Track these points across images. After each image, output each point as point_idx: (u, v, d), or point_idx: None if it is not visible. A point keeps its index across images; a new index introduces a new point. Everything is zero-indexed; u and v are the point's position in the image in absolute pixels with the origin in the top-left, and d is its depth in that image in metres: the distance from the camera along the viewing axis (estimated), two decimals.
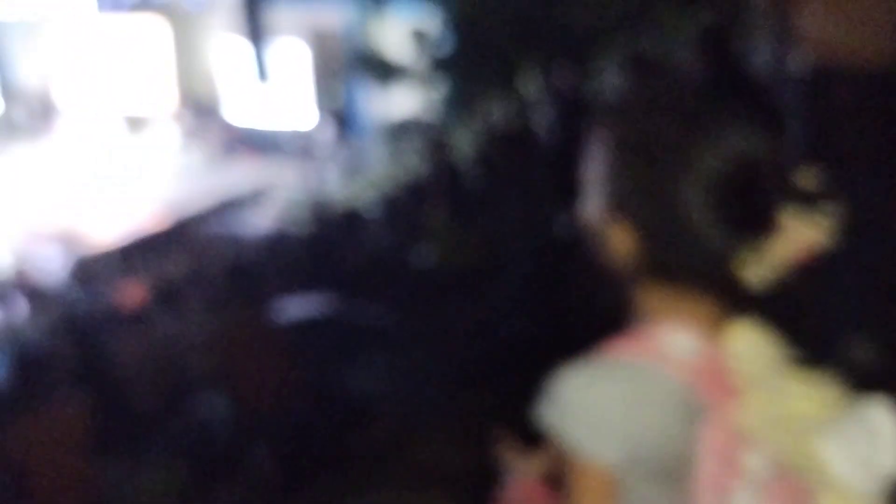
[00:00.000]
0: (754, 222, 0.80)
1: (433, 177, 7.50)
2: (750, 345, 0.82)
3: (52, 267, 12.65)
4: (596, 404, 0.81)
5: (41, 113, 20.29)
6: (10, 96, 20.30)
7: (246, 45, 16.67)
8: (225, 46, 17.80)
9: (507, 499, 0.95)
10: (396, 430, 2.92)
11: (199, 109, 18.91)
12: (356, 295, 5.52)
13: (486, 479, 2.54)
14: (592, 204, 0.88)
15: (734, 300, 0.83)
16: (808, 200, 0.79)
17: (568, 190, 3.65)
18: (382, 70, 12.85)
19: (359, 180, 14.47)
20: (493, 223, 5.83)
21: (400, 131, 14.29)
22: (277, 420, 3.16)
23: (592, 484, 0.82)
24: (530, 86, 11.34)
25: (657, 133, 0.82)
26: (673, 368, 0.81)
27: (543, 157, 5.89)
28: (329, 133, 16.78)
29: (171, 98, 18.77)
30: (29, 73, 20.91)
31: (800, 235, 0.79)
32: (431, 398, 3.08)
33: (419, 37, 12.46)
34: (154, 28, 18.32)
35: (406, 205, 8.02)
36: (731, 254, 0.80)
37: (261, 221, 15.44)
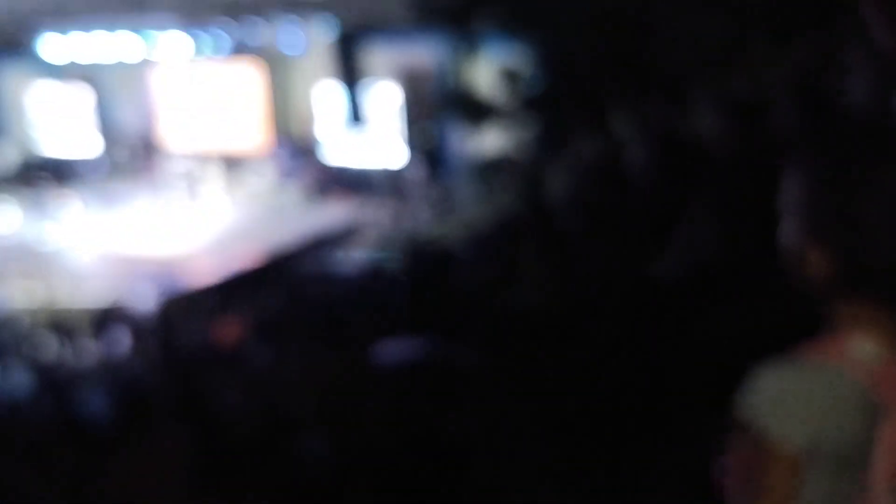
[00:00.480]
0: None
1: (525, 216, 7.50)
2: None
3: (150, 303, 13.08)
4: (790, 396, 0.95)
5: (141, 152, 21.24)
6: (110, 136, 21.30)
7: (340, 86, 17.10)
8: (319, 88, 18.28)
9: (730, 461, 1.04)
10: (493, 474, 2.91)
11: (294, 149, 19.47)
12: (449, 335, 5.55)
13: None
14: (790, 230, 1.00)
15: None
16: None
17: (662, 229, 3.62)
18: (474, 110, 12.97)
19: (450, 219, 14.59)
20: (586, 264, 5.79)
21: (491, 170, 14.37)
22: (373, 461, 3.19)
23: (780, 465, 0.96)
24: (623, 125, 11.29)
25: (851, 164, 0.91)
26: (858, 372, 0.93)
27: (636, 196, 5.84)
28: (421, 172, 17.02)
29: (266, 139, 19.32)
30: (129, 113, 21.95)
31: None
32: (525, 442, 3.06)
33: (510, 76, 12.55)
34: (251, 71, 18.94)
35: (497, 244, 8.04)
36: None
37: (354, 260, 15.73)
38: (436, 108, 14.04)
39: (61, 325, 12.40)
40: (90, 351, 12.65)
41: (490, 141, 13.97)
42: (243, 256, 15.61)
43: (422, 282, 7.27)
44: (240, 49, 18.65)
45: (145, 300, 13.09)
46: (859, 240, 0.91)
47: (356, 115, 16.87)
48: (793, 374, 0.95)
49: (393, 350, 3.46)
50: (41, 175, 19.50)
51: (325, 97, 18.09)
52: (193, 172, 19.48)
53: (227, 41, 18.34)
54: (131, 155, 21.05)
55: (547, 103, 12.85)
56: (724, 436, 1.00)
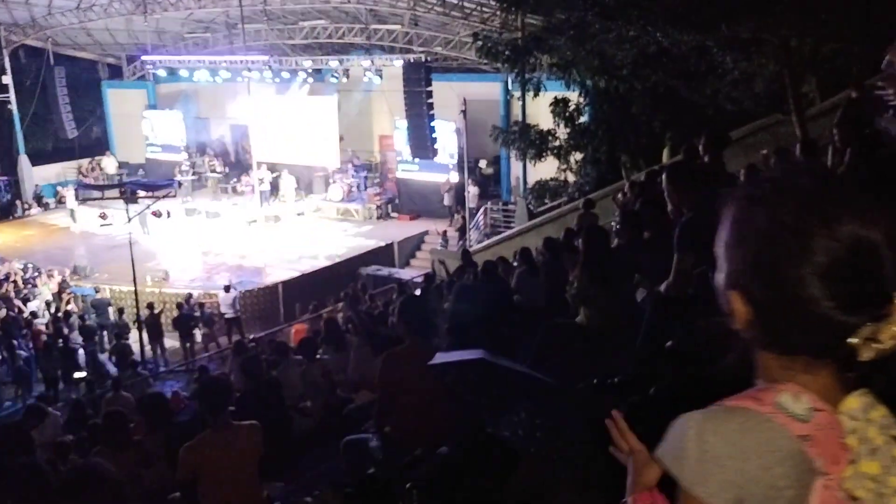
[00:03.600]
0: (871, 301, 0.77)
1: (573, 237, 7.39)
2: (864, 415, 0.80)
3: (227, 300, 13.31)
4: (711, 450, 0.81)
5: (234, 166, 21.81)
6: (204, 150, 21.96)
7: (408, 114, 17.25)
8: (389, 115, 18.55)
9: None
10: (540, 475, 2.84)
11: (364, 169, 19.87)
12: (502, 342, 5.48)
13: None
14: (719, 273, 0.88)
15: (850, 371, 0.81)
16: None
17: (702, 256, 3.47)
18: (531, 138, 12.98)
19: (503, 236, 14.59)
20: (632, 286, 5.67)
21: (543, 193, 14.33)
22: (428, 458, 3.13)
23: None
24: (670, 155, 11.17)
25: (773, 216, 0.81)
26: (789, 425, 0.80)
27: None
28: (479, 192, 17.09)
29: (340, 159, 19.74)
30: (221, 132, 22.55)
31: None
32: (572, 446, 2.97)
33: (562, 106, 12.53)
34: (329, 100, 19.36)
35: (547, 263, 7.94)
36: (847, 331, 0.78)
37: (414, 269, 15.84)
38: (495, 136, 14.07)
39: (147, 318, 12.64)
40: (173, 341, 12.89)
41: (543, 166, 13.95)
42: (314, 263, 15.86)
43: (476, 291, 7.20)
44: (321, 80, 19.26)
45: (224, 298, 13.29)
46: (777, 292, 0.79)
47: (424, 141, 16.98)
48: (716, 422, 0.81)
49: (449, 351, 3.41)
50: (141, 184, 20.02)
51: (396, 124, 18.37)
52: (275, 186, 19.95)
53: (310, 73, 19.02)
54: (225, 167, 21.64)
55: (598, 134, 12.82)
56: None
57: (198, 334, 13.33)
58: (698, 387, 2.91)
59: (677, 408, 0.92)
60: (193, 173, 21.26)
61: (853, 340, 0.78)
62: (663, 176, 3.86)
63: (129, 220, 13.58)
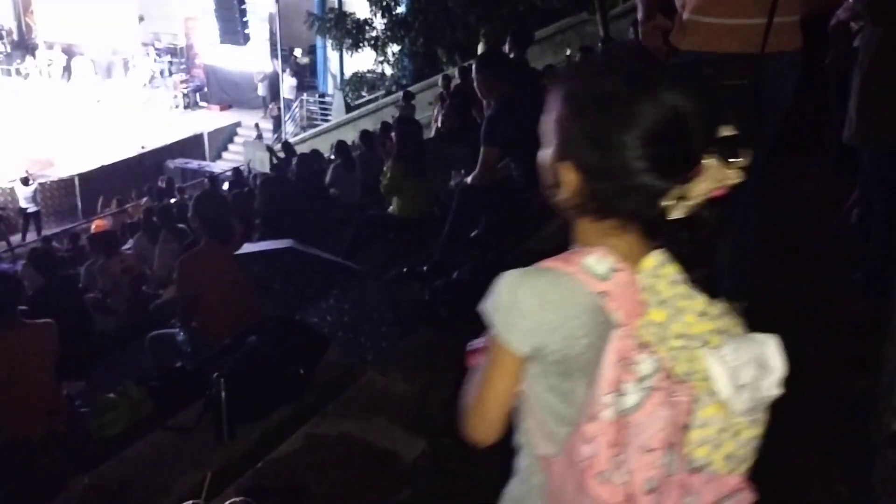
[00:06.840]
0: (683, 166, 0.86)
1: (390, 130, 7.43)
2: (657, 272, 0.92)
3: (28, 190, 12.43)
4: (519, 302, 0.91)
5: (17, 45, 19.78)
6: None
7: None
8: None
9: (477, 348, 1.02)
10: (348, 357, 2.93)
11: (168, 52, 18.70)
12: (317, 236, 5.49)
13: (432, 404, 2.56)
14: (546, 147, 0.95)
15: (656, 233, 0.91)
16: (727, 147, 0.87)
17: (506, 149, 3.59)
18: (348, 26, 12.68)
19: (320, 129, 14.32)
20: (441, 176, 5.81)
21: (360, 86, 14.13)
22: (236, 348, 3.14)
23: (504, 368, 0.95)
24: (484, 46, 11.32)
25: (602, 88, 0.89)
26: (590, 283, 0.89)
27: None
28: (293, 82, 16.60)
29: (144, 42, 18.39)
30: (3, 3, 20.31)
31: (719, 175, 0.87)
32: (378, 330, 3.08)
33: None
34: None
35: (363, 157, 7.96)
36: (660, 194, 0.87)
37: (227, 162, 15.28)
38: (311, 23, 13.61)
39: None
40: None
41: (361, 57, 13.71)
42: (115, 154, 14.87)
43: (287, 182, 7.12)
44: None
45: (22, 191, 12.36)
46: (605, 159, 0.88)
47: (234, 25, 16.14)
48: (525, 279, 0.91)
49: (256, 246, 3.39)
50: None
51: (203, 6, 17.26)
52: (68, 69, 18.39)
53: None
54: (2, 47, 19.58)
55: (415, 26, 12.72)
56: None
57: None
58: (494, 270, 3.10)
59: (475, 290, 0.99)
60: None
61: (665, 202, 0.87)
62: (473, 66, 3.94)
63: None
